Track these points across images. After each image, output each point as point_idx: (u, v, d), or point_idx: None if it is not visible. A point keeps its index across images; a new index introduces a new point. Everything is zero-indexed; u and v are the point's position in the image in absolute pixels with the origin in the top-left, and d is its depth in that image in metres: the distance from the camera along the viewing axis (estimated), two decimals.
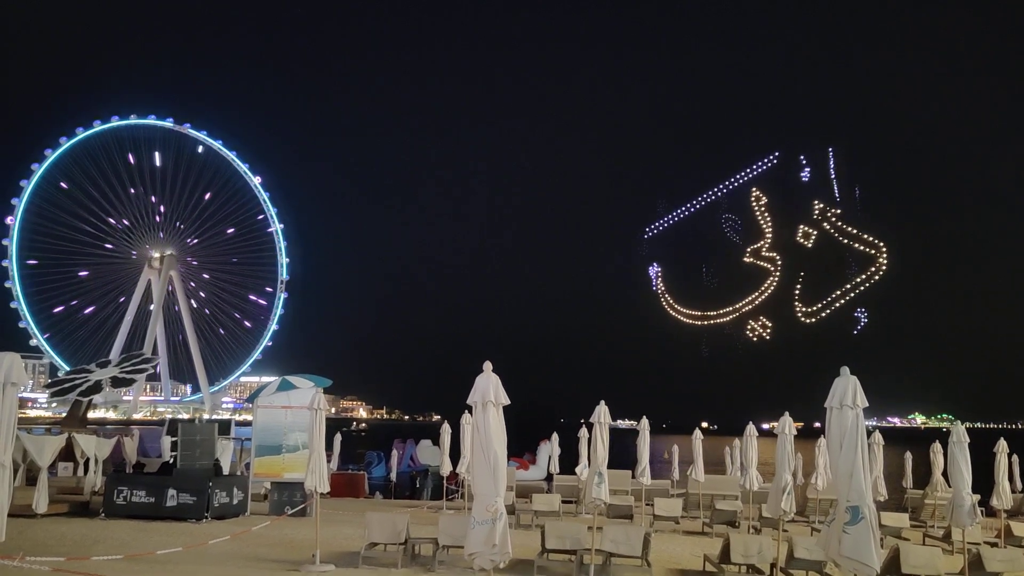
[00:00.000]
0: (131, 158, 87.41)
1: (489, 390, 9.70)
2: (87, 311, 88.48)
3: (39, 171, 79.43)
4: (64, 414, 31.14)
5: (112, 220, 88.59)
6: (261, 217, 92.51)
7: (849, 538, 9.22)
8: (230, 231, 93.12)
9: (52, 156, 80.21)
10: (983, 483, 17.92)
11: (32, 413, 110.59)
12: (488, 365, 9.88)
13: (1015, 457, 27.44)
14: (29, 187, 79.07)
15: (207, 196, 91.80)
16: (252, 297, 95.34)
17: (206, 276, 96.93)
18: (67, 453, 21.82)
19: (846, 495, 9.37)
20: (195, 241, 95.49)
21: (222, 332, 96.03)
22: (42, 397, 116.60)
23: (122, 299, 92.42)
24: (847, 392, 9.58)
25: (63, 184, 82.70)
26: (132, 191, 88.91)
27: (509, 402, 9.80)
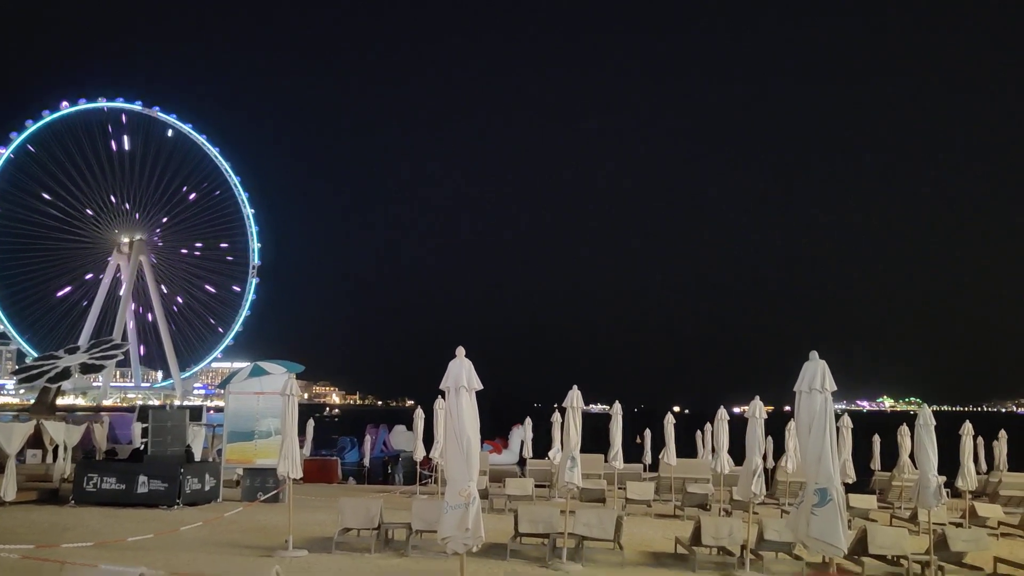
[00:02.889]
0: (99, 141, 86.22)
1: (462, 375, 9.69)
2: (56, 296, 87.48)
3: (5, 154, 77.94)
4: (32, 401, 30.71)
5: (80, 204, 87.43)
6: (233, 202, 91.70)
7: (817, 520, 9.35)
8: (201, 216, 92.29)
9: (18, 139, 78.75)
10: (949, 465, 18.22)
11: None
12: (461, 350, 9.87)
13: (980, 439, 27.96)
14: None
15: (177, 180, 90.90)
16: (224, 282, 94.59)
17: (176, 261, 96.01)
18: (36, 440, 21.55)
19: (815, 478, 9.51)
20: (165, 226, 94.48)
21: (193, 317, 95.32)
22: (10, 384, 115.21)
23: (91, 284, 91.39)
24: (816, 376, 9.70)
25: (30, 167, 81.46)
26: (101, 175, 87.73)
27: (482, 387, 9.79)
